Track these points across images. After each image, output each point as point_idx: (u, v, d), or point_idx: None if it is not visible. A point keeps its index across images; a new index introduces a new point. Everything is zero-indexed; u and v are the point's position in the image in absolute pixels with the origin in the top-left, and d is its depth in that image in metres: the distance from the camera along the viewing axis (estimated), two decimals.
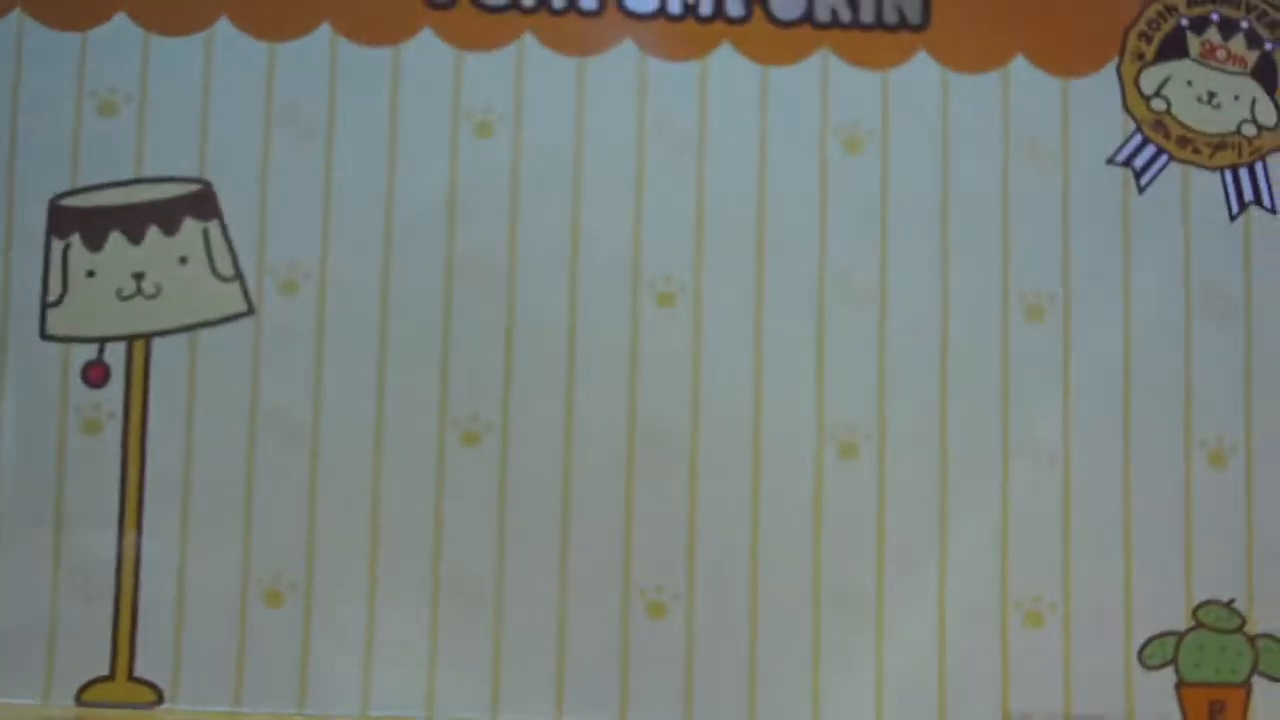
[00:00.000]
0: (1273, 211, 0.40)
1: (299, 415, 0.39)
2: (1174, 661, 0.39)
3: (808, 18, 0.41)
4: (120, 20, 0.40)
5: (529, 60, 0.40)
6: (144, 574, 0.39)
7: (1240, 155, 0.40)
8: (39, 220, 0.39)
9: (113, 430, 0.39)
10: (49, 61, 0.40)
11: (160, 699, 0.38)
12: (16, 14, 0.40)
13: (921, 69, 0.41)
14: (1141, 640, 0.39)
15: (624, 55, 0.41)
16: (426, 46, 0.40)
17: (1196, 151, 0.40)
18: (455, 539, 0.39)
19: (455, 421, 0.39)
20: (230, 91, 0.40)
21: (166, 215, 0.40)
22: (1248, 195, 0.40)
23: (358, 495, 0.39)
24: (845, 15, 0.41)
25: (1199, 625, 0.39)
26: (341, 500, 0.39)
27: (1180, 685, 0.39)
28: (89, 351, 0.39)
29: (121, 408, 0.39)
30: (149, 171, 0.40)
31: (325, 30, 0.40)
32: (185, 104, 0.40)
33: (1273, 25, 0.41)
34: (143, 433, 0.39)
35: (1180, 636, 0.39)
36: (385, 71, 0.40)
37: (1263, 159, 0.40)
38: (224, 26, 0.40)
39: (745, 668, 0.39)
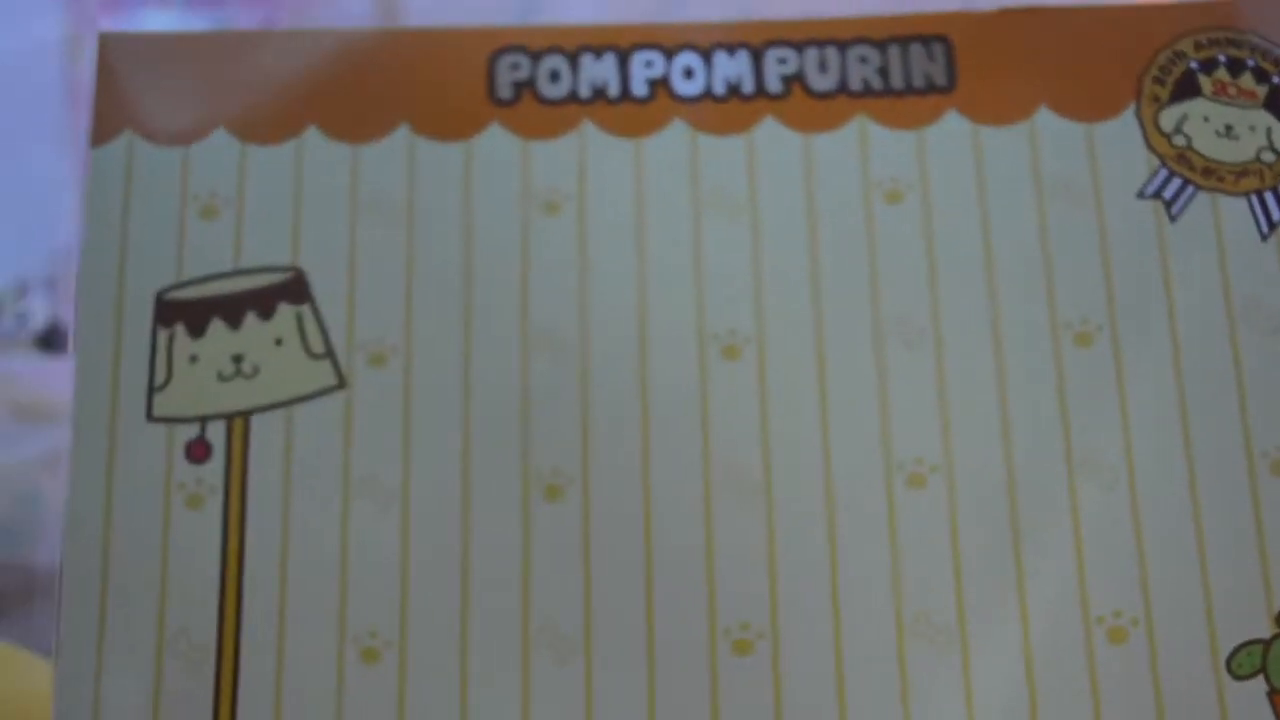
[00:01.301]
0: None
1: (390, 481, 0.38)
2: (1263, 670, 0.36)
3: (843, 88, 0.41)
4: (219, 134, 0.41)
5: (589, 144, 0.41)
6: (244, 641, 0.37)
7: (1263, 181, 0.39)
8: (146, 314, 0.39)
9: (214, 504, 0.38)
10: (156, 174, 0.40)
11: None
12: (126, 134, 0.41)
13: (953, 125, 0.40)
14: (1228, 650, 0.36)
15: (676, 134, 0.41)
16: (495, 138, 0.41)
17: (1221, 180, 0.39)
18: (543, 593, 0.37)
19: (538, 478, 0.38)
20: (319, 189, 0.40)
21: (262, 302, 0.39)
22: (1276, 216, 0.39)
23: (448, 555, 0.38)
24: (877, 83, 0.41)
25: None
26: (432, 560, 0.38)
27: (1273, 694, 0.36)
28: (192, 431, 0.39)
29: (223, 482, 0.38)
30: (246, 265, 0.40)
31: (404, 130, 0.41)
32: (278, 203, 0.40)
33: (1277, 61, 0.40)
34: (243, 505, 0.38)
35: (1267, 644, 0.36)
36: (459, 163, 0.41)
37: None
38: (312, 133, 0.41)
39: (834, 700, 0.36)
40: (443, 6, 0.44)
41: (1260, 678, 0.35)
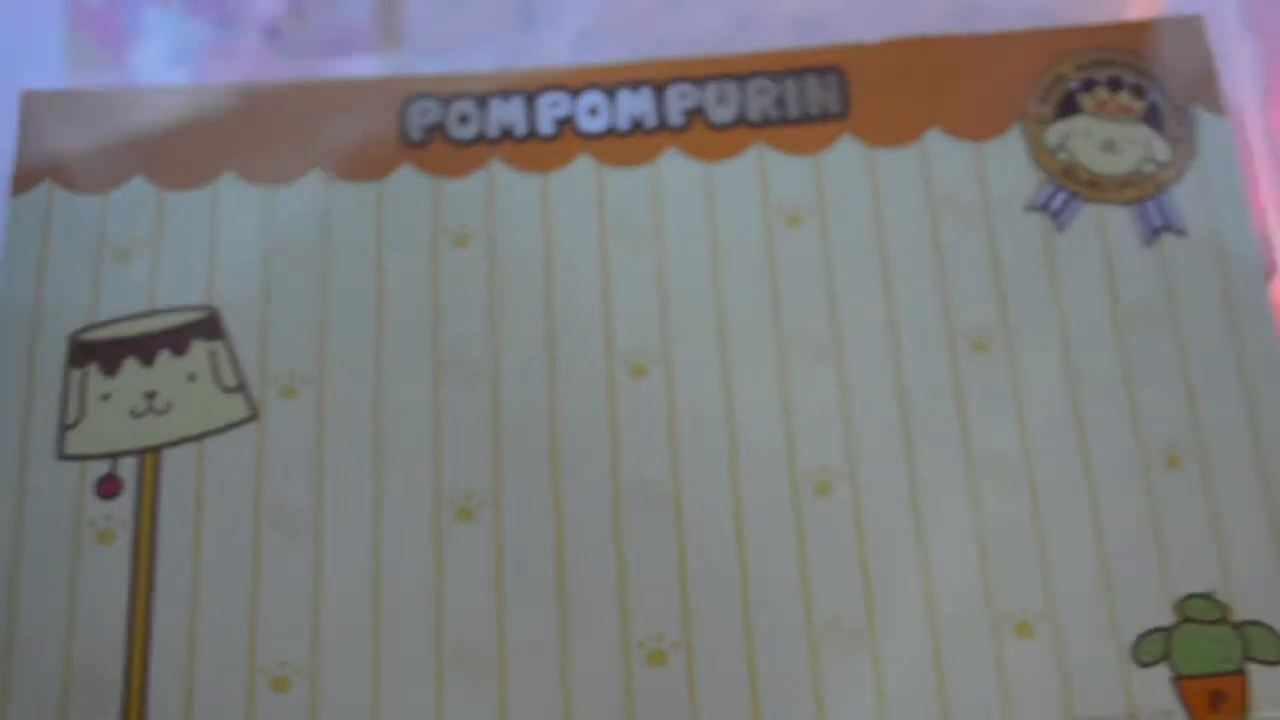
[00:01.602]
0: (1182, 234, 0.41)
1: (301, 509, 0.39)
2: (1167, 657, 0.37)
3: (742, 119, 0.43)
4: (137, 182, 0.43)
5: (498, 181, 0.43)
6: (152, 675, 0.37)
7: (1145, 190, 0.41)
8: (59, 356, 0.40)
9: (124, 539, 0.39)
10: (74, 221, 0.42)
11: None
12: (46, 184, 0.43)
13: (847, 149, 0.42)
14: (1132, 639, 0.37)
15: (581, 168, 0.42)
16: (406, 178, 0.43)
17: (1105, 191, 0.41)
18: (456, 614, 0.38)
19: (450, 502, 0.39)
20: (234, 230, 0.42)
21: (176, 339, 0.40)
22: (1157, 223, 0.41)
23: (360, 581, 0.38)
24: (774, 113, 0.43)
25: (1186, 619, 0.37)
26: (344, 586, 0.38)
27: (1178, 679, 0.37)
28: (103, 467, 0.39)
29: (133, 517, 0.39)
30: (161, 305, 0.41)
31: (317, 173, 0.43)
32: (194, 245, 0.42)
33: (1152, 78, 0.43)
34: (153, 539, 0.38)
35: (1169, 632, 0.37)
36: (371, 202, 0.42)
37: (1165, 190, 0.41)
38: (228, 179, 0.43)
39: (748, 706, 0.37)
40: (442, 13, 0.46)
41: (1164, 664, 0.36)
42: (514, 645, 0.37)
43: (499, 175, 0.41)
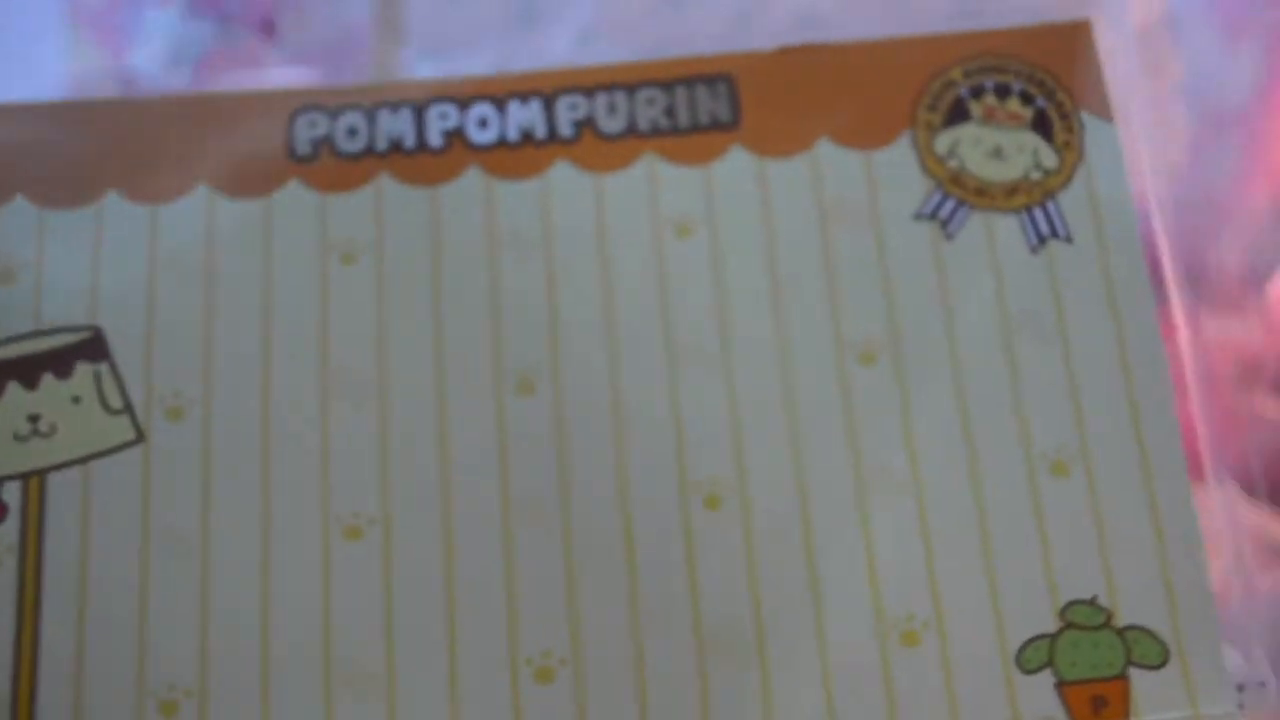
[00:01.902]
0: (1069, 241, 0.42)
1: (188, 531, 0.39)
2: (1051, 663, 0.38)
3: (631, 130, 0.43)
4: (18, 202, 0.43)
5: (386, 195, 0.43)
6: (40, 700, 0.38)
7: (1032, 197, 0.42)
8: None
9: (9, 564, 0.39)
10: None
11: None
12: None
13: (738, 160, 0.43)
14: (1016, 646, 0.38)
15: (471, 181, 0.43)
16: (294, 194, 0.43)
17: (993, 199, 0.42)
18: (344, 631, 0.38)
19: (338, 520, 0.39)
20: (118, 250, 0.42)
21: (60, 361, 0.41)
22: (1044, 230, 0.42)
23: (248, 601, 0.38)
24: (664, 123, 0.43)
25: (1069, 625, 0.38)
26: (231, 609, 0.39)
27: (1060, 685, 0.38)
28: None
29: (18, 541, 0.39)
30: (44, 326, 0.41)
31: (203, 190, 0.43)
32: (77, 265, 0.42)
33: (1040, 84, 0.43)
34: (39, 562, 0.39)
35: (1053, 638, 0.38)
36: (258, 218, 0.42)
37: (1053, 197, 0.42)
38: (113, 198, 0.43)
39: (636, 716, 0.38)
40: (443, 10, 0.46)
41: (1048, 670, 0.37)
42: (402, 662, 0.37)
43: (387, 189, 0.41)
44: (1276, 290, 0.39)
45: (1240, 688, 0.37)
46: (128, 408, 0.39)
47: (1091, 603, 0.37)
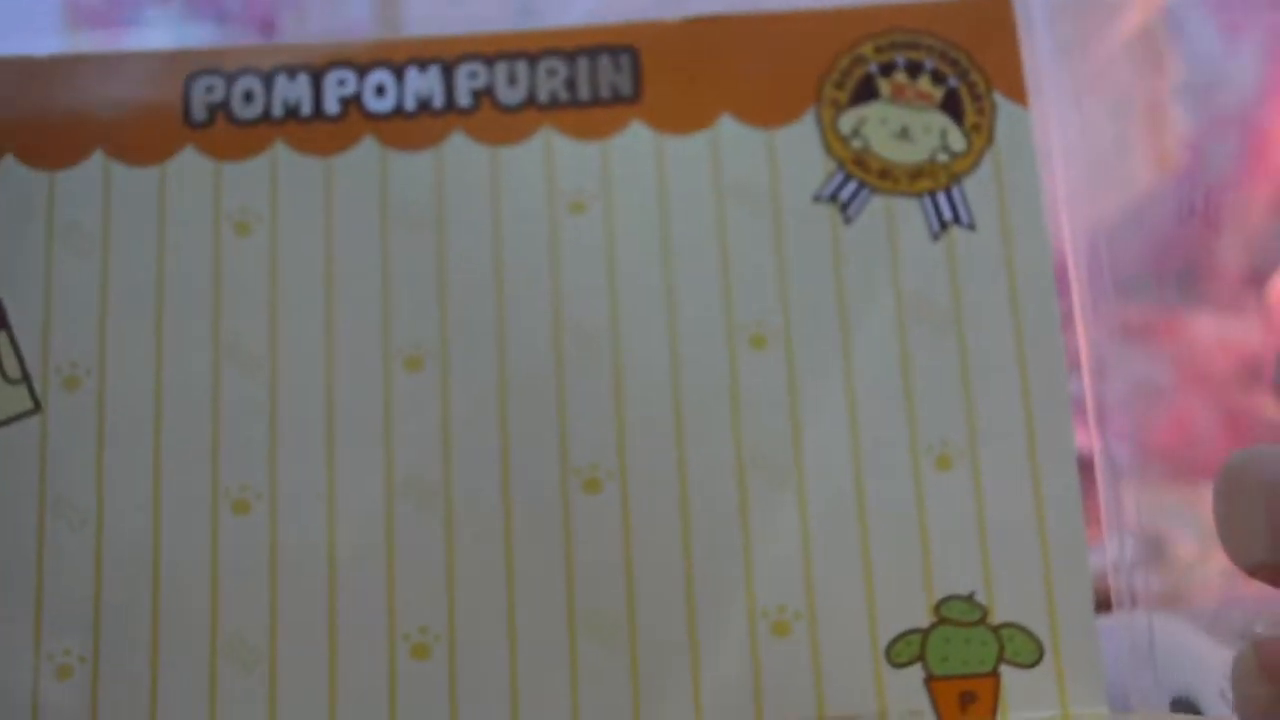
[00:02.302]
0: (971, 228, 0.41)
1: (83, 502, 0.40)
2: (921, 658, 0.39)
3: (531, 101, 0.43)
4: None
5: (281, 164, 0.43)
6: None
7: (937, 181, 0.42)
8: None
9: None
10: None
11: None
12: None
13: (636, 135, 0.42)
14: (887, 640, 0.39)
15: (365, 151, 0.43)
16: (188, 161, 0.43)
17: (896, 182, 0.42)
18: (230, 605, 0.40)
19: (226, 493, 0.41)
20: (14, 217, 0.42)
21: None
22: (947, 216, 0.41)
23: (139, 571, 0.40)
24: (564, 95, 0.43)
25: (942, 620, 0.39)
26: (123, 577, 0.40)
27: (929, 680, 0.38)
28: None
29: None
30: None
31: (98, 156, 0.43)
32: None
33: (953, 63, 0.43)
34: None
35: (925, 633, 0.39)
36: (153, 186, 0.43)
37: (958, 182, 0.42)
38: (9, 162, 0.43)
39: (508, 701, 0.39)
40: (442, 10, 0.46)
41: (918, 665, 0.37)
42: (284, 636, 0.38)
43: (282, 158, 0.41)
44: (1276, 290, 0.39)
45: None
46: (25, 377, 0.40)
47: (968, 599, 0.38)
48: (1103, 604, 0.38)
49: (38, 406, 0.40)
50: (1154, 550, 0.41)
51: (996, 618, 0.38)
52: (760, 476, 0.39)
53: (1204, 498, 0.32)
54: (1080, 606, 0.38)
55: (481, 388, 0.40)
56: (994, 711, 0.37)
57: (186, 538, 0.39)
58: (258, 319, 0.41)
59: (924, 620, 0.38)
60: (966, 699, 0.37)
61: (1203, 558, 0.43)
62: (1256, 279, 0.40)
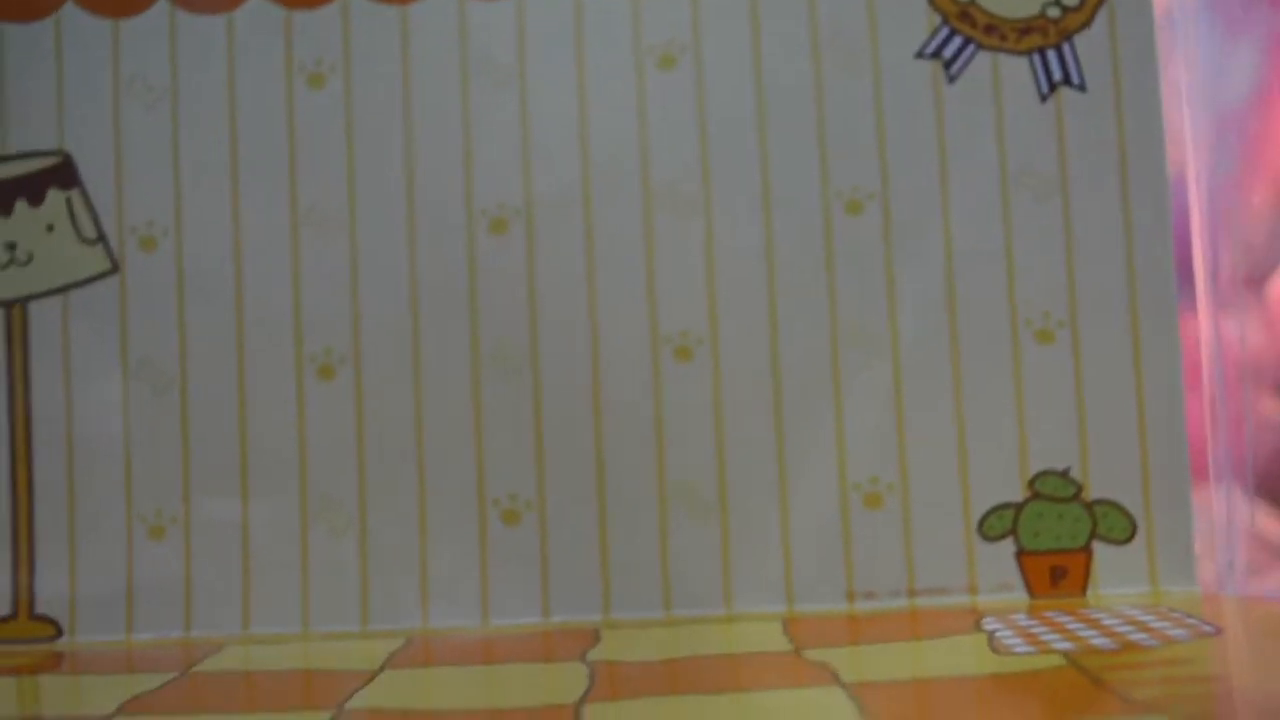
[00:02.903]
0: (1082, 89, 0.40)
1: (166, 362, 0.41)
2: (1013, 532, 0.39)
3: None
4: None
5: (354, 13, 0.42)
6: (37, 520, 0.41)
7: (1047, 37, 0.40)
8: None
9: None
10: None
11: (59, 633, 0.41)
12: None
13: None
14: (980, 514, 0.39)
15: (443, 2, 0.42)
16: (257, 9, 0.42)
17: (1003, 38, 0.40)
18: (318, 469, 0.40)
19: (311, 357, 0.41)
20: (80, 68, 0.42)
21: (31, 187, 0.41)
22: (1056, 75, 0.40)
23: (225, 432, 0.41)
24: None
25: (1036, 495, 0.39)
26: (209, 437, 0.41)
27: (1020, 554, 0.39)
28: None
29: (5, 367, 0.41)
30: (11, 151, 0.42)
31: (163, 3, 0.42)
32: (41, 85, 0.42)
33: None
34: (26, 387, 0.41)
35: (1018, 508, 0.39)
36: (220, 36, 0.42)
37: (1069, 39, 0.40)
38: (70, 9, 0.42)
39: (596, 562, 0.40)
40: None
41: (1010, 539, 0.38)
42: (374, 499, 0.39)
43: (354, 5, 0.40)
44: (1276, 290, 0.38)
45: None
46: (101, 238, 0.40)
47: (1063, 474, 0.38)
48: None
49: (115, 267, 0.40)
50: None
51: (1091, 494, 0.38)
52: (853, 345, 0.38)
53: None
54: (1176, 485, 0.38)
55: (569, 250, 0.39)
56: (1084, 587, 0.38)
57: (272, 402, 0.39)
58: (334, 177, 0.40)
59: (1018, 495, 0.38)
60: (1057, 574, 0.38)
61: None
62: (1256, 279, 0.39)
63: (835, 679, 0.27)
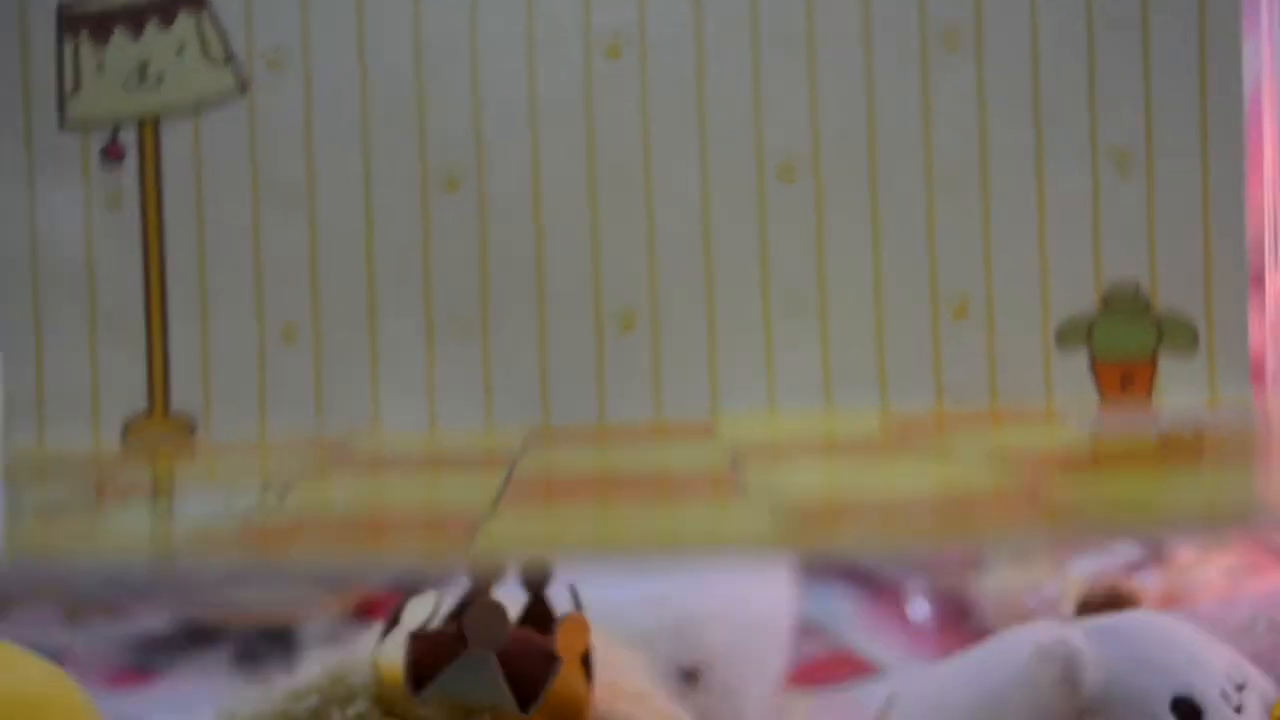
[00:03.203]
0: None
1: (295, 181, 0.43)
2: (1088, 342, 0.43)
3: None
4: None
5: None
6: (171, 324, 0.44)
7: None
8: (50, 26, 0.43)
9: (132, 202, 0.44)
10: None
11: (194, 430, 0.44)
12: None
13: None
14: (1057, 324, 0.43)
15: None
16: None
17: None
18: (443, 277, 0.44)
19: (436, 175, 0.43)
20: None
21: (162, 10, 0.43)
22: None
23: (353, 246, 0.43)
24: None
25: (1109, 307, 0.43)
26: (339, 251, 0.43)
27: (1094, 363, 0.43)
28: (105, 135, 0.43)
29: (138, 183, 0.44)
30: None
31: None
32: None
33: None
34: (159, 202, 0.43)
35: (1092, 318, 0.43)
36: None
37: None
38: None
39: (704, 364, 0.43)
40: None
41: (1084, 351, 0.42)
42: (495, 309, 0.42)
43: None
44: (1276, 290, 0.41)
45: None
46: (230, 59, 0.42)
47: (1134, 288, 0.42)
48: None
49: (244, 89, 0.42)
50: None
51: (1159, 307, 0.42)
52: (946, 168, 0.42)
53: None
54: (1236, 298, 0.41)
55: (681, 79, 0.42)
56: (1150, 393, 0.42)
57: (397, 216, 0.42)
58: (458, 2, 0.42)
59: (1092, 306, 0.42)
60: (1126, 380, 0.42)
61: None
62: (1256, 279, 0.42)
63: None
